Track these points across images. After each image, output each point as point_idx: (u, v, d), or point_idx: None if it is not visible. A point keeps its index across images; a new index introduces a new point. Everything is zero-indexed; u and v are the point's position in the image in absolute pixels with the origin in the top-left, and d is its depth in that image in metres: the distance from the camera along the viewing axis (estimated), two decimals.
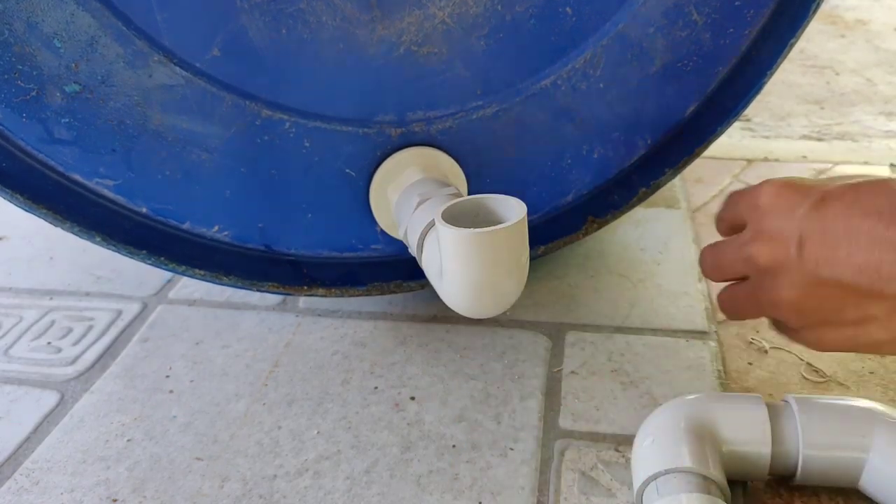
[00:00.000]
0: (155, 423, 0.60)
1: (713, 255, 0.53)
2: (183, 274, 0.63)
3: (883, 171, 0.94)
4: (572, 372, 0.63)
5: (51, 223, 0.58)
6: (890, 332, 0.44)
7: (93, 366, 0.67)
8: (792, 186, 0.46)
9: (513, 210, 0.45)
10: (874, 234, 0.42)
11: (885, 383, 0.61)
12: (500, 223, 0.44)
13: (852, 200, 0.43)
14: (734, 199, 0.52)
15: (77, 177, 0.59)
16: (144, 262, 0.61)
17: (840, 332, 0.46)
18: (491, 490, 0.53)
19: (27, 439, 0.59)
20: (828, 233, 0.43)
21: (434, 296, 0.48)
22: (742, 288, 0.52)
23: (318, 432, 0.59)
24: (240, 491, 0.54)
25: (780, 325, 0.52)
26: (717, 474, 0.47)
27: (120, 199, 0.60)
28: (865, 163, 0.97)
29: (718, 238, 0.54)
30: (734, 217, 0.52)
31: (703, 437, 0.49)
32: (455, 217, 0.45)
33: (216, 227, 0.62)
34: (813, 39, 1.46)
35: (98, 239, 0.59)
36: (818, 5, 0.57)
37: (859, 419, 0.49)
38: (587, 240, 0.80)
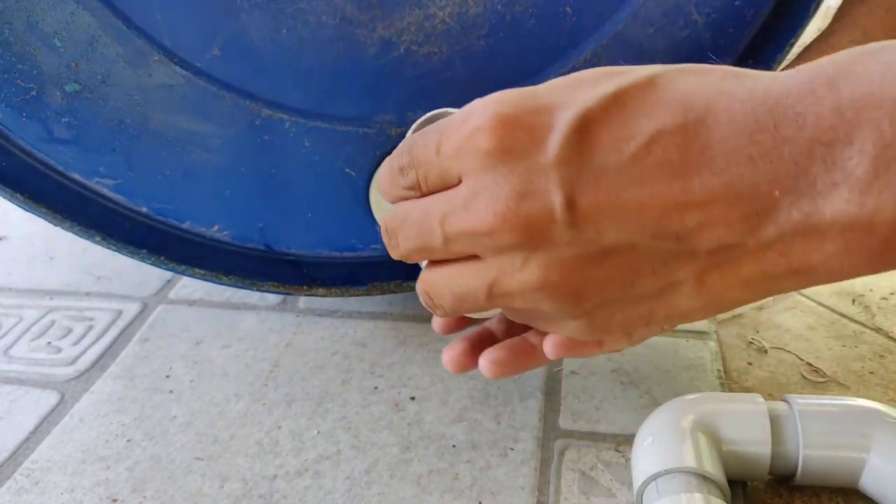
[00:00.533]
0: (155, 423, 0.60)
1: (406, 225, 0.35)
2: (183, 273, 0.63)
3: None
4: (572, 372, 0.63)
5: (50, 222, 0.58)
6: (701, 297, 0.31)
7: (93, 366, 0.67)
8: (523, 113, 0.30)
9: None
10: (672, 169, 0.29)
11: (885, 383, 0.61)
12: None
13: (621, 123, 0.29)
14: (426, 141, 0.34)
15: (77, 176, 0.59)
16: (144, 262, 0.61)
17: (632, 311, 0.33)
18: (491, 490, 0.53)
19: (27, 439, 0.59)
20: (605, 179, 0.29)
21: None
22: (462, 272, 0.34)
23: (318, 432, 0.59)
24: (240, 491, 0.54)
25: (524, 314, 0.37)
26: (718, 474, 0.47)
27: (120, 198, 0.60)
28: None
29: None
30: (436, 171, 0.33)
31: (703, 437, 0.49)
32: None
33: (216, 227, 0.62)
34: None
35: (98, 238, 0.59)
36: (818, 6, 0.57)
37: (859, 419, 0.49)
38: None
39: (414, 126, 0.45)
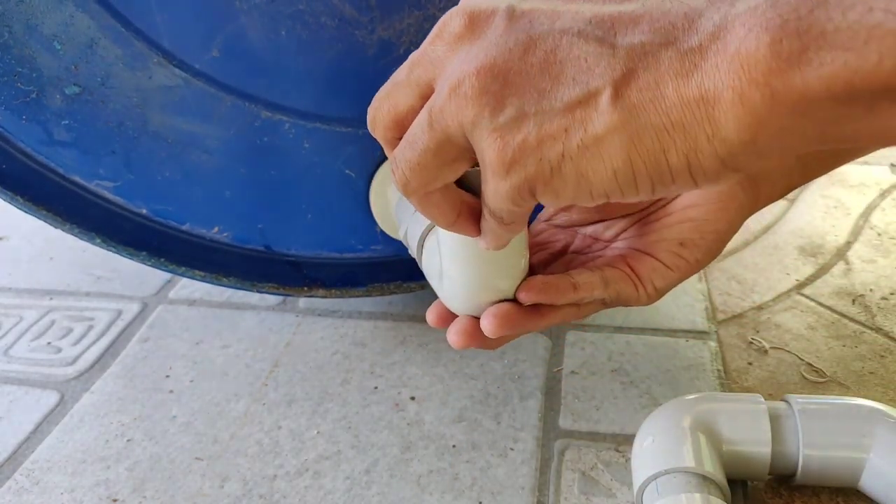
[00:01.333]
0: (155, 423, 0.60)
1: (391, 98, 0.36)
2: (183, 275, 0.63)
3: (882, 171, 0.94)
4: (572, 372, 0.63)
5: (51, 225, 0.58)
6: (612, 119, 0.29)
7: (93, 366, 0.67)
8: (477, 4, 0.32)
9: None
10: None
11: (885, 383, 0.61)
12: None
13: None
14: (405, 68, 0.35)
15: (77, 178, 0.59)
16: (144, 264, 0.61)
17: (547, 127, 0.30)
18: (491, 490, 0.53)
19: (27, 439, 0.59)
20: None
21: (434, 296, 0.48)
22: (414, 113, 0.35)
23: (318, 432, 0.59)
24: (240, 491, 0.54)
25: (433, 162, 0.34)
26: (718, 474, 0.47)
27: (120, 200, 0.60)
28: (865, 163, 0.96)
29: None
30: (422, 85, 0.34)
31: (703, 436, 0.49)
32: None
33: (216, 228, 0.62)
34: None
35: (98, 240, 0.59)
36: None
37: (859, 419, 0.49)
38: None
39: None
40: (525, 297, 0.43)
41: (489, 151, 0.31)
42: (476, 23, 0.31)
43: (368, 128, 0.38)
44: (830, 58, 0.24)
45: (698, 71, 0.27)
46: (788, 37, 0.24)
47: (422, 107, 0.33)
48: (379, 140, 0.37)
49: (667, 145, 0.29)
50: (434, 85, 0.33)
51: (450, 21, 0.32)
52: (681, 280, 0.47)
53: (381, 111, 0.36)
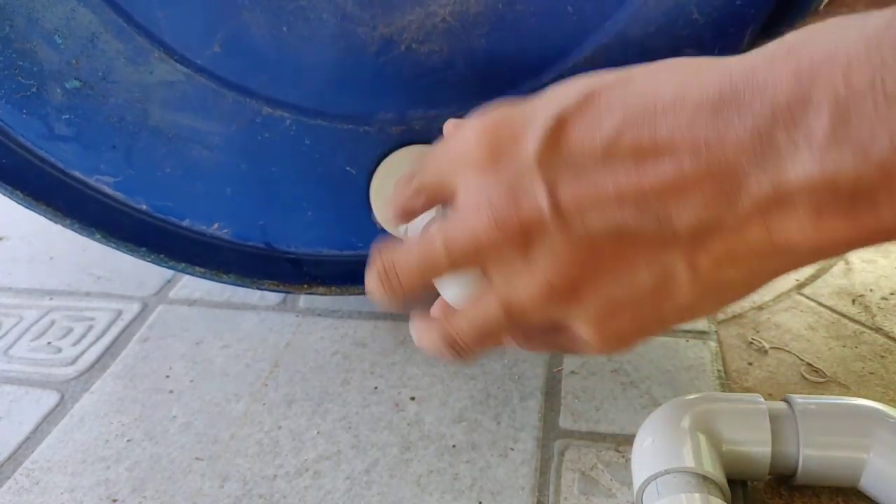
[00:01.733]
0: (155, 423, 0.60)
1: (406, 253, 0.37)
2: (183, 272, 0.63)
3: None
4: (572, 372, 0.63)
5: (50, 220, 0.58)
6: (699, 284, 0.31)
7: (93, 366, 0.67)
8: (504, 120, 0.32)
9: None
10: (643, 154, 0.29)
11: (885, 383, 0.61)
12: None
13: (593, 118, 0.30)
14: (430, 153, 0.36)
15: (77, 173, 0.59)
16: (144, 260, 0.61)
17: (639, 311, 0.33)
18: (491, 490, 0.53)
19: (27, 439, 0.59)
20: (583, 172, 0.30)
21: (434, 295, 0.48)
22: (475, 303, 0.36)
23: (318, 432, 0.59)
24: (240, 491, 0.54)
25: (547, 338, 0.37)
26: (718, 474, 0.47)
27: (120, 195, 0.60)
28: None
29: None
30: (435, 177, 0.35)
31: (703, 437, 0.49)
32: None
33: (216, 225, 0.62)
34: None
35: (98, 236, 0.59)
36: (819, 4, 0.57)
37: (860, 419, 0.49)
38: None
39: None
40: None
41: (590, 339, 0.34)
42: (523, 226, 0.31)
43: (380, 279, 0.40)
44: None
45: (758, 240, 0.29)
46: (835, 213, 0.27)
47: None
48: (394, 291, 0.40)
49: (743, 291, 0.33)
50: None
51: (485, 194, 0.32)
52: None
53: (406, 264, 0.38)
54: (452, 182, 0.34)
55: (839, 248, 0.28)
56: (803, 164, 0.26)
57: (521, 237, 0.31)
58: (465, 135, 0.33)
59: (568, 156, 0.30)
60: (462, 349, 0.37)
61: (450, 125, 0.36)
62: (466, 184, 0.33)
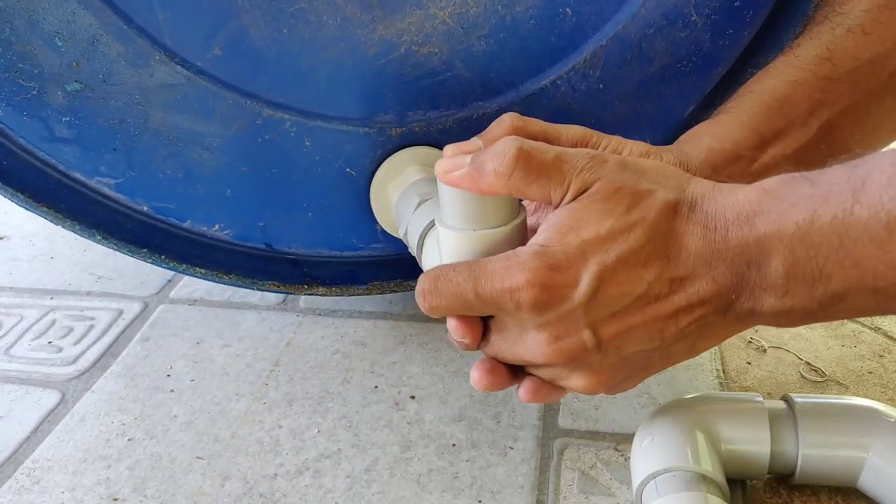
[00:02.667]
0: (156, 423, 0.60)
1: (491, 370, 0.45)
2: (183, 272, 0.63)
3: None
4: None
5: (51, 222, 0.58)
6: (691, 354, 0.44)
7: (94, 365, 0.67)
8: (554, 275, 0.40)
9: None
10: (665, 296, 0.40)
11: (884, 383, 0.61)
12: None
13: (626, 277, 0.40)
14: (458, 278, 0.42)
15: (78, 175, 0.59)
16: (145, 261, 0.61)
17: (640, 376, 0.45)
18: (490, 489, 0.53)
19: (28, 438, 0.59)
20: (618, 315, 0.40)
21: None
22: (534, 379, 0.46)
23: (318, 431, 0.59)
24: (241, 490, 0.54)
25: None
26: (717, 473, 0.47)
27: (121, 197, 0.60)
28: None
29: None
30: (466, 307, 0.43)
31: (702, 436, 0.49)
32: None
33: (217, 226, 0.62)
34: None
35: (99, 237, 0.60)
36: (816, 7, 0.57)
37: (858, 419, 0.50)
38: None
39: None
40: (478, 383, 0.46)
41: (585, 391, 0.44)
42: (572, 356, 0.41)
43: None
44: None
45: (738, 328, 0.43)
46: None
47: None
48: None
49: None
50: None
51: (540, 330, 0.41)
52: None
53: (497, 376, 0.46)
54: (491, 311, 0.42)
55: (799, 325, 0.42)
56: (769, 301, 0.39)
57: (569, 362, 0.42)
58: (515, 282, 0.40)
59: (606, 305, 0.40)
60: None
61: (493, 265, 0.42)
62: (521, 317, 0.41)
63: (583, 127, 0.47)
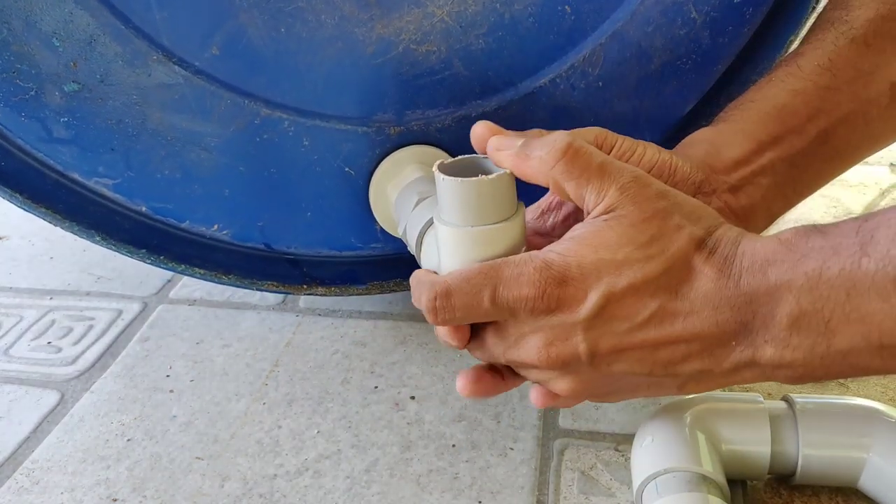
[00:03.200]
0: (155, 423, 0.60)
1: (480, 349, 0.47)
2: (182, 273, 0.63)
3: (882, 171, 0.94)
4: None
5: (50, 222, 0.58)
6: (680, 393, 0.45)
7: (93, 365, 0.67)
8: (565, 289, 0.41)
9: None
10: (665, 327, 0.41)
11: (885, 383, 0.61)
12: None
13: (633, 302, 0.41)
14: (472, 288, 0.43)
15: (76, 176, 0.59)
16: (144, 261, 0.61)
17: (627, 396, 0.47)
18: (490, 489, 0.53)
19: (27, 439, 0.59)
20: (618, 335, 0.41)
21: None
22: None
23: (318, 432, 0.59)
24: (240, 490, 0.54)
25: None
26: (717, 474, 0.47)
27: (119, 197, 0.60)
28: (865, 163, 0.96)
29: None
30: (482, 315, 0.44)
31: (702, 436, 0.49)
32: None
33: (216, 226, 0.62)
34: None
35: (97, 238, 0.59)
36: (816, 4, 0.57)
37: (859, 419, 0.49)
38: None
39: (437, 165, 0.44)
40: (462, 389, 0.48)
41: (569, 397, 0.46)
42: (564, 362, 0.42)
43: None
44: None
45: (732, 380, 0.42)
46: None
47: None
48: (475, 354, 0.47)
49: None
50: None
51: (540, 334, 0.43)
52: None
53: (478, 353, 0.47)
54: (504, 316, 0.43)
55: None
56: (770, 351, 0.39)
57: (560, 367, 0.43)
58: (528, 292, 0.41)
59: (608, 325, 0.41)
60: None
61: (509, 269, 0.42)
62: (524, 320, 0.42)
63: (598, 128, 0.47)
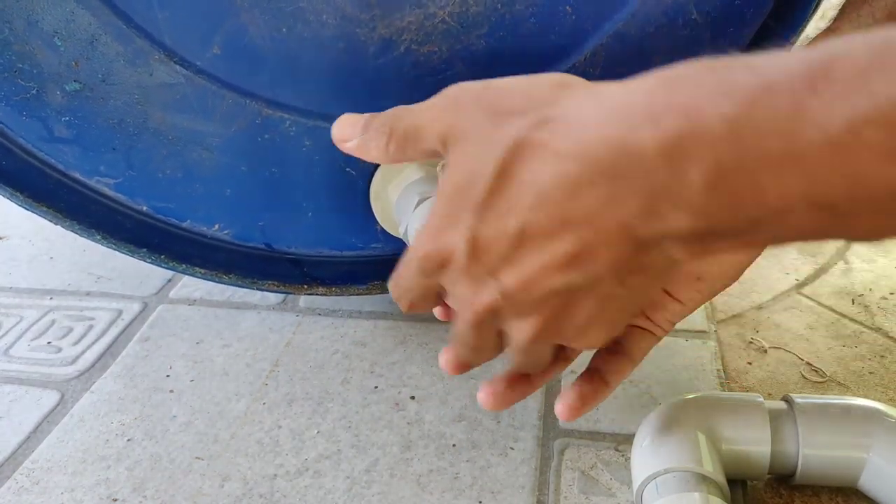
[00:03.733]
0: (155, 423, 0.60)
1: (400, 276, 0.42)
2: (183, 272, 0.63)
3: None
4: (572, 371, 0.63)
5: (51, 221, 0.58)
6: (628, 298, 0.37)
7: (93, 365, 0.67)
8: (433, 246, 0.37)
9: None
10: (547, 237, 0.33)
11: (885, 383, 0.61)
12: None
13: (500, 228, 0.34)
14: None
15: (77, 175, 0.59)
16: (144, 261, 0.61)
17: (588, 326, 0.38)
18: (491, 489, 0.53)
19: (27, 439, 0.59)
20: (508, 260, 0.35)
21: None
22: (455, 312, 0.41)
23: (318, 432, 0.59)
24: (240, 490, 0.54)
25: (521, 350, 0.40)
26: (717, 474, 0.47)
27: (120, 197, 0.60)
28: None
29: None
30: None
31: (702, 436, 0.49)
32: None
33: (217, 226, 0.62)
34: None
35: (98, 237, 0.59)
36: (817, 5, 0.57)
37: (859, 419, 0.49)
38: None
39: (441, 166, 0.45)
40: (564, 415, 0.45)
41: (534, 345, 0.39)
42: (494, 315, 0.37)
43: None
44: None
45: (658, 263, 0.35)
46: None
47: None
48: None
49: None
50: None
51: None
52: (690, 314, 0.48)
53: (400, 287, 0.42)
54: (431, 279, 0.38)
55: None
56: (682, 220, 0.30)
57: (491, 321, 0.37)
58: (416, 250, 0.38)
59: (488, 256, 0.35)
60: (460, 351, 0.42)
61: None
62: (452, 287, 0.38)
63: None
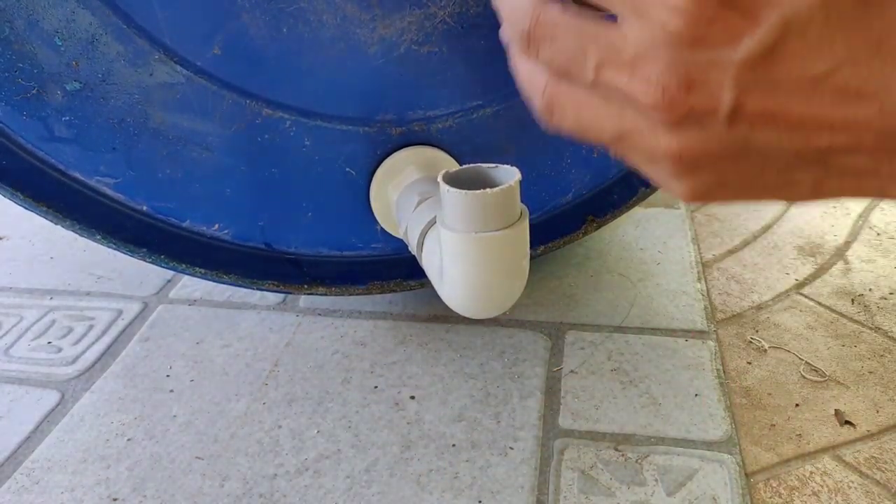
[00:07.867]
0: (155, 423, 0.60)
1: (554, 44, 0.32)
2: (183, 272, 0.63)
3: None
4: (572, 371, 0.63)
5: (51, 221, 0.58)
6: (809, 196, 0.32)
7: (93, 365, 0.67)
8: (725, 5, 0.27)
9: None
10: (845, 95, 0.27)
11: (884, 382, 0.61)
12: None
13: (818, 39, 0.27)
14: None
15: (77, 175, 0.59)
16: (144, 261, 0.61)
17: (738, 195, 0.33)
18: (490, 489, 0.53)
19: (28, 438, 0.59)
20: (780, 91, 0.28)
21: (434, 295, 0.48)
22: (598, 109, 0.32)
23: (318, 431, 0.59)
24: (240, 490, 0.54)
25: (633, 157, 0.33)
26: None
27: (120, 197, 0.60)
28: None
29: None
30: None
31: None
32: None
33: (216, 226, 0.62)
34: None
35: (98, 237, 0.59)
36: None
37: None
38: (587, 239, 0.80)
39: (441, 176, 0.44)
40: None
41: (665, 182, 0.33)
42: (691, 113, 0.29)
43: (520, 36, 0.33)
44: None
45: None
46: None
47: None
48: (527, 59, 0.33)
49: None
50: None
51: (669, 65, 0.29)
52: None
53: (548, 56, 0.32)
54: (626, 13, 0.29)
55: None
56: None
57: (681, 118, 0.29)
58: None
59: (774, 71, 0.27)
60: (553, 122, 0.34)
61: None
62: (651, 36, 0.28)
63: None
